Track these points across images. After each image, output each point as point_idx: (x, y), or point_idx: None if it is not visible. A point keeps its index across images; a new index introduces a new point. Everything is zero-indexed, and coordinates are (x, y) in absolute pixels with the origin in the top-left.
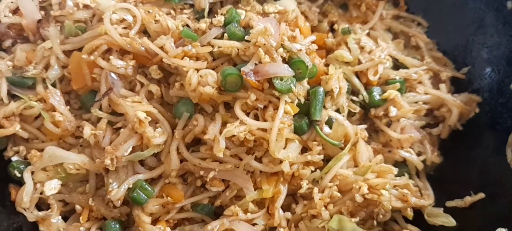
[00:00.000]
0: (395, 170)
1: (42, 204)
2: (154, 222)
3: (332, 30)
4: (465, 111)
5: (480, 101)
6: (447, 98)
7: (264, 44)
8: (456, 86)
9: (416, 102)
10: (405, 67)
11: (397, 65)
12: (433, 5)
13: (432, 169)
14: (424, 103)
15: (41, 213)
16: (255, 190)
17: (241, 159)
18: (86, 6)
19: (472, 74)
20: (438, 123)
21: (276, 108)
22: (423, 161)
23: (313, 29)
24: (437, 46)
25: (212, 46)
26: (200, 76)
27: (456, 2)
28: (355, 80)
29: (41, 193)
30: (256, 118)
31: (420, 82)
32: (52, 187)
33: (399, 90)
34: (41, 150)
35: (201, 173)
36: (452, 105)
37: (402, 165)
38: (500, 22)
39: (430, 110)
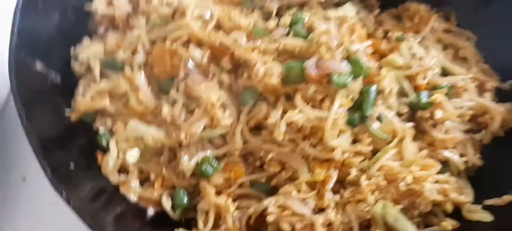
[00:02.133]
0: (439, 165)
1: (122, 170)
2: (218, 193)
3: (386, 38)
4: (507, 119)
5: None
6: (490, 106)
7: (326, 42)
8: (500, 97)
9: (461, 107)
10: (453, 75)
11: (445, 74)
12: (483, 21)
13: (473, 170)
14: (469, 109)
15: (122, 177)
16: (308, 173)
17: (297, 144)
18: (169, 4)
19: None
20: (481, 129)
21: (332, 101)
22: (465, 162)
23: (369, 36)
24: (484, 60)
25: (279, 43)
26: (267, 68)
27: (504, 19)
28: (405, 83)
29: (123, 160)
30: (314, 108)
31: (465, 90)
32: (132, 155)
33: (446, 95)
34: (125, 123)
35: (261, 154)
36: (495, 113)
37: (444, 165)
38: None
39: (474, 117)
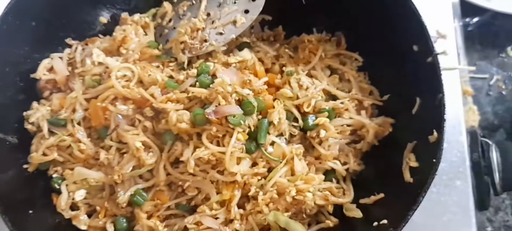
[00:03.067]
0: (318, 178)
1: (74, 207)
2: (149, 217)
3: (281, 71)
4: (379, 131)
5: (393, 122)
6: (365, 121)
7: (222, 91)
8: (380, 109)
9: (342, 125)
10: (337, 98)
11: (332, 96)
12: (367, 44)
13: (355, 174)
14: (348, 125)
15: (73, 212)
16: (217, 194)
17: (207, 173)
18: (100, 63)
19: (390, 101)
20: (360, 140)
21: (231, 136)
22: (347, 169)
23: (268, 71)
24: (368, 77)
25: (188, 92)
26: (178, 115)
27: (387, 45)
28: (295, 111)
29: (73, 199)
30: (218, 144)
31: (346, 109)
32: (80, 195)
33: (328, 117)
34: (72, 169)
35: (180, 182)
36: (370, 127)
37: (331, 172)
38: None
39: (354, 130)
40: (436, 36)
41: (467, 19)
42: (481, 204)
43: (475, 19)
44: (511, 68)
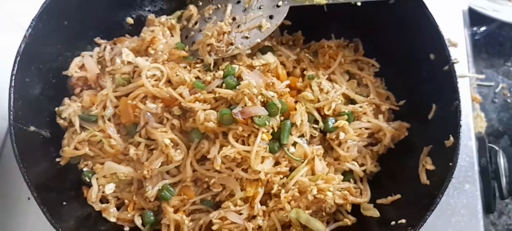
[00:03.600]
0: (338, 178)
1: (103, 199)
2: (175, 211)
3: (303, 75)
4: (396, 135)
5: (409, 126)
6: (383, 125)
7: (248, 93)
8: (396, 114)
9: (360, 128)
10: (355, 102)
11: (351, 100)
12: (384, 50)
13: (371, 175)
14: (366, 129)
15: (103, 205)
16: (241, 191)
17: (232, 170)
18: (129, 62)
19: (406, 106)
20: (377, 142)
21: (256, 136)
22: (364, 170)
23: (289, 74)
24: (385, 83)
25: (215, 93)
26: (206, 114)
27: (403, 52)
28: (316, 113)
29: (103, 192)
30: (243, 143)
31: (364, 113)
32: (109, 188)
33: (348, 120)
34: (102, 164)
35: (206, 179)
36: (387, 131)
37: (349, 173)
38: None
39: (372, 133)
40: (447, 44)
41: (475, 28)
42: (488, 207)
43: (483, 29)
44: None
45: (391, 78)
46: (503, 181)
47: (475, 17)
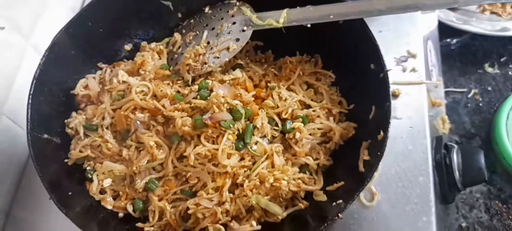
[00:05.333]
0: (293, 169)
1: (102, 191)
2: (160, 200)
3: (267, 86)
4: (344, 133)
5: (356, 126)
6: (332, 126)
7: (216, 102)
8: (346, 116)
9: (314, 129)
10: (311, 107)
11: (307, 106)
12: (338, 63)
13: (325, 168)
14: (319, 129)
15: (102, 196)
16: (212, 182)
17: (205, 165)
18: (124, 81)
19: (355, 109)
20: (329, 140)
21: (222, 137)
22: (318, 164)
23: (256, 86)
24: (339, 90)
25: (191, 103)
26: (183, 121)
27: (352, 64)
28: (276, 117)
29: (102, 186)
30: (213, 142)
31: (318, 116)
32: (107, 182)
33: (303, 122)
34: (101, 163)
35: (184, 173)
36: (336, 130)
37: (305, 166)
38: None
39: (324, 133)
40: (407, 55)
41: (448, 40)
42: (444, 198)
43: (455, 40)
44: (487, 83)
45: (345, 86)
46: (456, 174)
47: (447, 30)
